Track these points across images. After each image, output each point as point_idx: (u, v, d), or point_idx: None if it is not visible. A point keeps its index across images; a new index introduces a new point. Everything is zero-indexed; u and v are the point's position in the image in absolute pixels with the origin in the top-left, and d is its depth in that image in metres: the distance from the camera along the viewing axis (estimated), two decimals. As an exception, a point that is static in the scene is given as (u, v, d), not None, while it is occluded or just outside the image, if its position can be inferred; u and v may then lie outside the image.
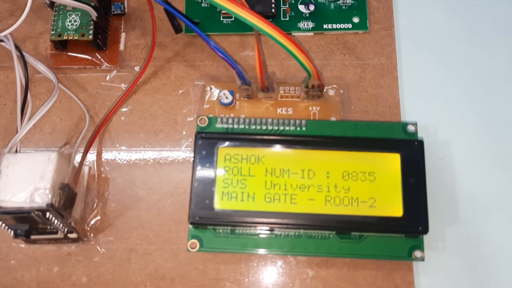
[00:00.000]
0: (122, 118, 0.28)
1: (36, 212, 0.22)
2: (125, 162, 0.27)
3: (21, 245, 0.26)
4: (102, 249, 0.26)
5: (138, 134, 0.27)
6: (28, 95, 0.25)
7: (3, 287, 0.25)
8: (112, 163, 0.27)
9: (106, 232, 0.26)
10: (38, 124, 0.28)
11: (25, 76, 0.24)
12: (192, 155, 0.25)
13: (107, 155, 0.27)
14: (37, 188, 0.22)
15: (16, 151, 0.24)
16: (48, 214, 0.22)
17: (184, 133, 0.27)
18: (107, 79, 0.28)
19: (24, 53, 0.26)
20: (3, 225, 0.23)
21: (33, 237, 0.24)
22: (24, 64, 0.24)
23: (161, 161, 0.27)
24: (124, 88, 0.28)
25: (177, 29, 0.26)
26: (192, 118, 0.28)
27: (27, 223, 0.22)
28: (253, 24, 0.22)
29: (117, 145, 0.27)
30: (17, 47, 0.24)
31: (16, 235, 0.23)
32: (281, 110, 0.27)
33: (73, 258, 0.26)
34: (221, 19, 0.29)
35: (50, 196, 0.22)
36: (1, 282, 0.25)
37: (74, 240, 0.25)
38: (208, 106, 0.27)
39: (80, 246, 0.26)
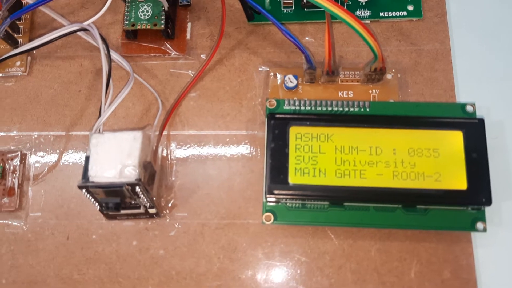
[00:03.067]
0: (191, 103, 0.29)
1: (127, 186, 0.24)
2: (195, 143, 0.29)
3: (101, 221, 0.28)
4: (177, 224, 0.27)
5: (206, 118, 0.29)
6: (111, 81, 0.27)
7: (86, 259, 0.27)
8: (184, 145, 0.29)
9: (180, 208, 0.28)
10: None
11: (108, 63, 0.26)
12: (259, 135, 0.28)
13: (178, 137, 0.29)
14: (125, 164, 0.24)
15: (99, 132, 0.26)
16: (137, 188, 0.24)
17: (250, 116, 0.29)
18: (176, 66, 0.30)
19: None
20: (92, 200, 0.25)
21: (112, 213, 0.26)
22: (108, 51, 0.26)
23: (229, 142, 0.29)
24: (192, 75, 0.30)
25: (250, 17, 0.28)
26: (257, 102, 0.29)
27: (118, 197, 0.24)
28: (329, 9, 0.24)
29: (187, 128, 0.29)
30: (101, 36, 0.26)
31: (107, 208, 0.24)
32: (342, 93, 0.29)
33: (150, 233, 0.27)
34: (282, 8, 0.30)
35: (138, 171, 0.24)
36: (84, 255, 0.27)
37: (152, 216, 0.27)
38: (271, 90, 0.29)
39: (156, 221, 0.28)
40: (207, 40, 0.31)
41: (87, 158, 0.24)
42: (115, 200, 0.24)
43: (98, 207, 0.26)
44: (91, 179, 0.24)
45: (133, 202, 0.26)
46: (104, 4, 0.27)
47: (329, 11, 0.24)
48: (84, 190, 0.24)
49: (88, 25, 0.26)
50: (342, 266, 0.26)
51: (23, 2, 0.31)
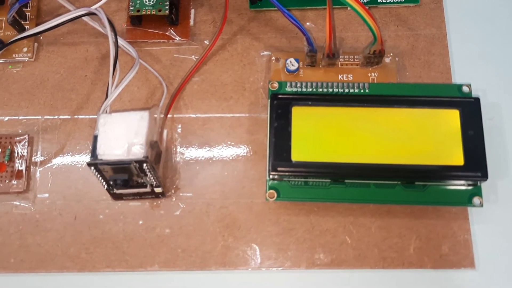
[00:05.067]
0: (195, 87, 0.30)
1: (134, 164, 0.24)
2: (199, 126, 0.29)
3: (108, 201, 0.28)
4: (183, 204, 0.28)
5: (210, 101, 0.30)
6: (117, 65, 0.27)
7: (93, 238, 0.28)
8: (188, 127, 0.29)
9: (186, 188, 0.28)
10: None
11: (115, 46, 0.27)
12: (262, 118, 0.28)
13: (183, 120, 0.30)
14: (133, 143, 0.25)
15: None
16: (144, 165, 0.25)
17: (252, 99, 0.30)
18: (180, 51, 0.31)
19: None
20: (100, 178, 0.26)
21: (118, 191, 0.27)
22: (115, 35, 0.27)
23: (232, 124, 0.29)
24: (196, 60, 0.31)
25: (253, 1, 0.29)
26: (259, 86, 0.30)
27: (126, 174, 0.25)
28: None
29: (191, 111, 0.30)
30: (109, 19, 0.27)
31: (116, 185, 0.25)
32: (342, 76, 0.29)
33: (156, 212, 0.28)
34: (284, -6, 0.32)
35: (145, 149, 0.25)
36: (91, 234, 0.28)
37: (158, 195, 0.28)
38: (273, 74, 0.30)
39: (162, 201, 0.28)
40: (210, 26, 0.31)
41: (95, 137, 0.25)
42: (123, 176, 0.25)
43: (106, 186, 0.26)
44: (99, 157, 0.25)
45: (140, 180, 0.26)
46: None
47: None
48: (93, 168, 0.25)
49: (96, 9, 0.27)
50: (344, 242, 0.27)
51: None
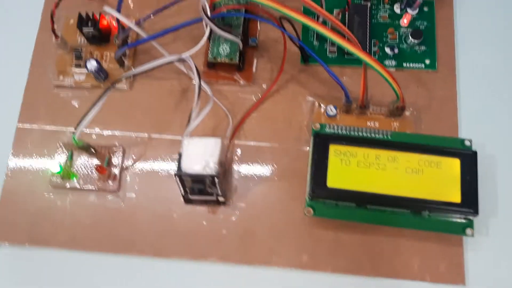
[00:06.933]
0: (253, 121, 0.38)
1: (209, 178, 0.32)
2: (254, 151, 0.37)
3: (181, 204, 0.36)
4: (238, 212, 0.36)
5: (264, 132, 0.38)
6: (198, 100, 0.35)
7: (167, 231, 0.36)
8: (245, 151, 0.37)
9: (241, 199, 0.36)
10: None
11: (199, 87, 0.35)
12: (304, 150, 0.36)
13: (242, 146, 0.37)
14: (208, 162, 0.33)
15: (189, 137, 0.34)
16: (216, 180, 0.32)
17: (297, 134, 0.37)
18: (243, 92, 0.39)
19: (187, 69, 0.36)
20: (180, 185, 0.33)
21: (192, 197, 0.35)
22: (199, 78, 0.35)
23: (280, 152, 0.37)
24: (255, 99, 0.39)
25: (305, 60, 0.37)
26: (303, 124, 0.38)
27: (201, 184, 0.32)
28: (365, 60, 0.32)
29: (249, 139, 0.38)
30: (195, 66, 0.35)
31: (193, 192, 0.33)
32: (370, 123, 0.37)
33: (216, 216, 0.36)
34: (327, 54, 0.39)
35: (217, 168, 0.32)
36: (166, 228, 0.36)
37: (219, 203, 0.35)
38: (315, 116, 0.37)
39: (221, 208, 0.36)
40: (268, 73, 0.39)
41: (180, 154, 0.33)
42: (200, 186, 0.33)
43: (182, 192, 0.34)
44: (183, 170, 0.32)
45: (209, 190, 0.34)
46: (195, 41, 0.36)
47: (364, 61, 0.32)
48: (177, 178, 0.33)
49: (186, 56, 0.35)
50: (361, 254, 0.34)
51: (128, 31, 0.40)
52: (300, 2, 0.34)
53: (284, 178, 0.36)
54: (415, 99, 0.38)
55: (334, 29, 0.34)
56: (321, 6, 0.36)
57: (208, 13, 0.36)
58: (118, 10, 0.36)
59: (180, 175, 0.32)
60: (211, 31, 0.37)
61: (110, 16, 0.39)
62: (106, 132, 0.39)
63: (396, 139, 0.34)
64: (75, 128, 0.35)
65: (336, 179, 0.33)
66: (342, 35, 0.33)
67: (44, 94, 0.40)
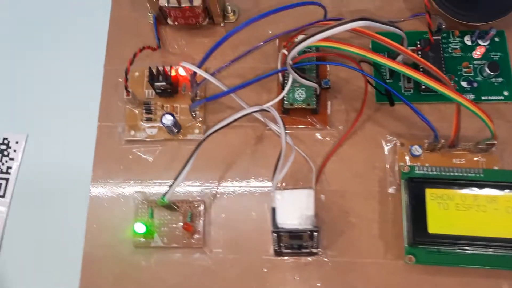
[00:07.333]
0: (332, 166, 0.37)
1: (308, 232, 0.31)
2: (338, 197, 0.36)
3: (270, 257, 0.35)
4: (329, 261, 0.35)
5: (346, 177, 0.37)
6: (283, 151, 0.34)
7: (258, 286, 0.34)
8: (329, 197, 0.36)
9: (331, 247, 0.35)
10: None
11: (284, 136, 0.33)
12: (390, 192, 0.35)
13: (325, 192, 0.36)
14: (306, 215, 0.32)
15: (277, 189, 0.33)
16: (315, 233, 0.31)
17: (381, 175, 0.37)
18: (320, 135, 0.38)
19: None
20: (276, 240, 0.32)
21: (285, 250, 0.33)
22: (284, 128, 0.34)
23: (365, 196, 0.36)
24: (333, 142, 0.38)
25: (392, 103, 0.36)
26: (387, 165, 0.37)
27: (299, 240, 0.31)
28: (460, 101, 0.31)
29: (332, 184, 0.37)
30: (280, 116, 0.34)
31: (292, 248, 0.32)
32: (456, 160, 0.36)
33: (308, 268, 0.35)
34: (403, 91, 0.39)
35: (315, 221, 0.31)
36: (257, 284, 0.34)
37: (313, 254, 0.34)
38: (399, 156, 0.37)
39: (312, 259, 0.35)
40: (343, 114, 0.39)
41: (274, 209, 0.32)
42: (299, 242, 0.32)
43: (276, 247, 0.33)
44: (279, 226, 0.31)
45: (304, 243, 0.33)
46: (260, 88, 0.36)
47: (460, 103, 0.31)
48: (275, 234, 0.32)
49: (268, 107, 0.35)
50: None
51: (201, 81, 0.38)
52: (369, 38, 0.34)
53: (375, 223, 0.35)
54: (497, 132, 0.36)
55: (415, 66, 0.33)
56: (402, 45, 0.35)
57: (291, 63, 0.34)
58: (200, 66, 0.35)
59: (278, 231, 0.32)
60: (285, 78, 0.36)
61: (184, 68, 0.38)
62: (183, 185, 0.38)
63: (491, 178, 0.34)
64: (166, 190, 0.33)
65: (436, 224, 0.32)
66: (431, 76, 0.32)
67: (114, 149, 0.39)
